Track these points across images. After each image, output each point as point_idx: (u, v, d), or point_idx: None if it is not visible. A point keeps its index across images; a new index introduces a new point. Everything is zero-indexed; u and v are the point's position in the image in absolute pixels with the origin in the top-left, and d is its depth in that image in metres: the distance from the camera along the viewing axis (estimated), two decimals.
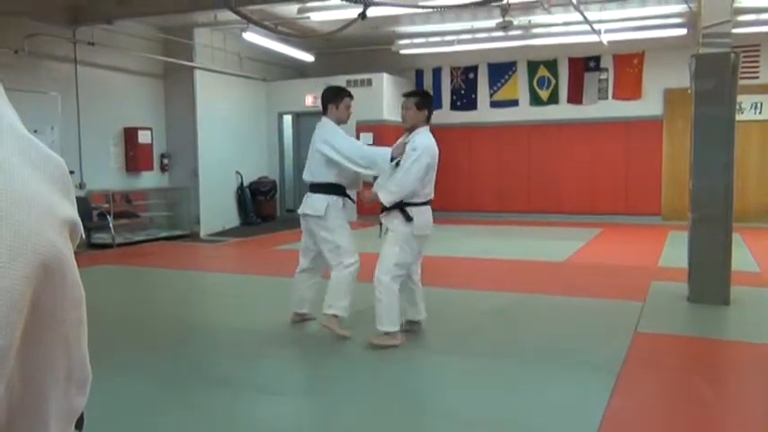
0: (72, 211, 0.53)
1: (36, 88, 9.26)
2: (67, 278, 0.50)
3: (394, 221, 4.56)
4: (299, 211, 5.04)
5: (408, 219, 4.49)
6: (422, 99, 4.68)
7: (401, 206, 4.52)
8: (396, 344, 4.52)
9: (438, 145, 4.70)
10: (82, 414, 0.58)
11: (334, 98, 4.97)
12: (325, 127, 4.93)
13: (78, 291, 0.52)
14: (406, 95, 4.75)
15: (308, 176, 4.98)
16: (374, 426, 3.38)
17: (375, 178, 4.83)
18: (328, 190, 4.87)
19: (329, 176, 4.86)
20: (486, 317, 5.50)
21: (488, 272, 7.74)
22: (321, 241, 4.88)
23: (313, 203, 4.89)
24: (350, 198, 4.99)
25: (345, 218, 4.94)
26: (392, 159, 4.64)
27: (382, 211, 4.66)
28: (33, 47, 9.13)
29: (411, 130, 4.65)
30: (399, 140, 4.80)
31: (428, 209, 4.63)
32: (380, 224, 4.72)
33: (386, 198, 4.49)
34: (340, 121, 4.99)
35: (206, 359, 4.52)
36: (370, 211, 5.00)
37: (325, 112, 5.02)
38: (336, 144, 4.79)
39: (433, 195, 4.67)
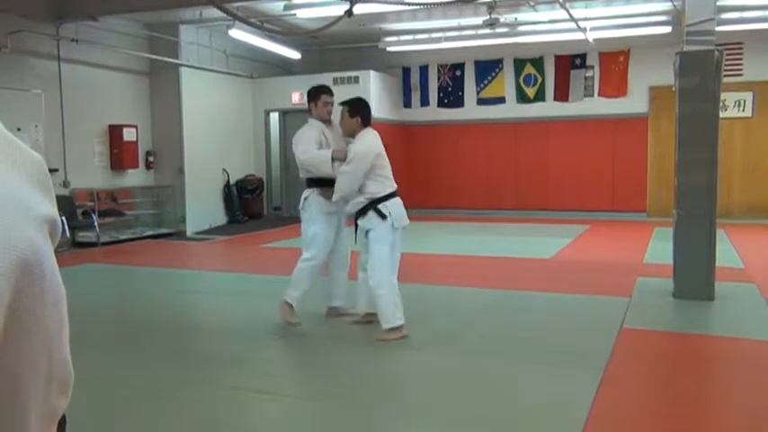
0: (52, 209, 0.52)
1: (19, 86, 9.16)
2: (47, 276, 0.49)
3: (372, 221, 4.69)
4: None
5: (383, 216, 4.65)
6: (352, 107, 4.89)
7: (373, 206, 4.68)
8: (404, 335, 4.64)
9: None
10: (64, 415, 0.57)
11: (312, 97, 5.14)
12: (300, 129, 5.16)
13: (59, 289, 0.51)
14: (341, 104, 4.95)
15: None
16: (361, 425, 3.38)
17: None
18: (309, 183, 5.10)
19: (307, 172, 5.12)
20: (474, 314, 5.51)
21: (475, 269, 7.75)
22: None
23: (301, 197, 5.19)
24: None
25: (329, 211, 5.02)
26: (333, 161, 4.87)
27: (357, 217, 4.79)
28: (16, 44, 9.03)
29: (351, 135, 4.88)
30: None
31: (399, 200, 4.79)
32: (356, 230, 4.85)
33: (333, 197, 4.83)
34: (322, 119, 5.10)
35: (193, 358, 4.50)
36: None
37: (310, 113, 5.15)
38: (297, 149, 5.03)
39: (395, 187, 4.82)
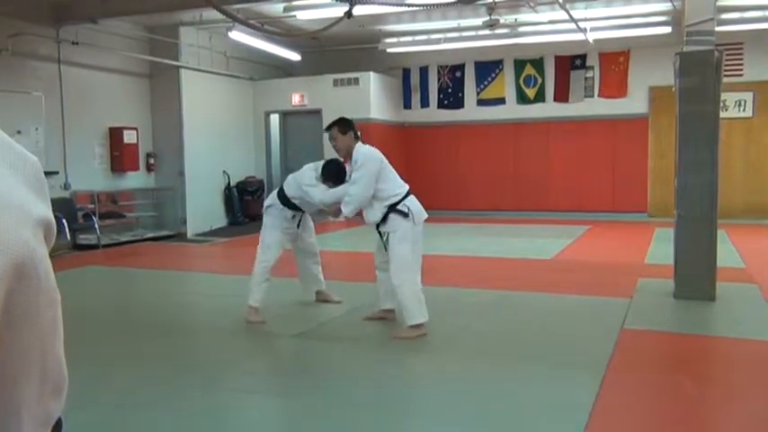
0: (47, 212, 0.52)
1: (20, 88, 9.16)
2: (42, 278, 0.49)
3: (394, 223, 4.72)
4: None
5: (405, 214, 4.68)
6: (340, 125, 4.92)
7: (393, 209, 4.70)
8: (423, 333, 4.68)
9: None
10: (60, 419, 0.57)
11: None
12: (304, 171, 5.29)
13: (53, 291, 0.51)
14: (327, 129, 4.99)
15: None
16: (360, 425, 3.37)
17: None
18: (281, 198, 5.27)
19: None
20: (474, 314, 5.51)
21: (476, 269, 7.75)
22: None
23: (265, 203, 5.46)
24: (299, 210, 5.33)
25: (288, 225, 5.28)
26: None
27: (378, 226, 4.83)
28: (17, 47, 9.04)
29: (348, 152, 4.89)
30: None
31: (413, 198, 4.82)
32: (380, 236, 4.88)
33: (345, 209, 4.80)
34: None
35: (192, 359, 4.50)
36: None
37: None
38: (314, 194, 5.10)
39: (407, 186, 4.86)
